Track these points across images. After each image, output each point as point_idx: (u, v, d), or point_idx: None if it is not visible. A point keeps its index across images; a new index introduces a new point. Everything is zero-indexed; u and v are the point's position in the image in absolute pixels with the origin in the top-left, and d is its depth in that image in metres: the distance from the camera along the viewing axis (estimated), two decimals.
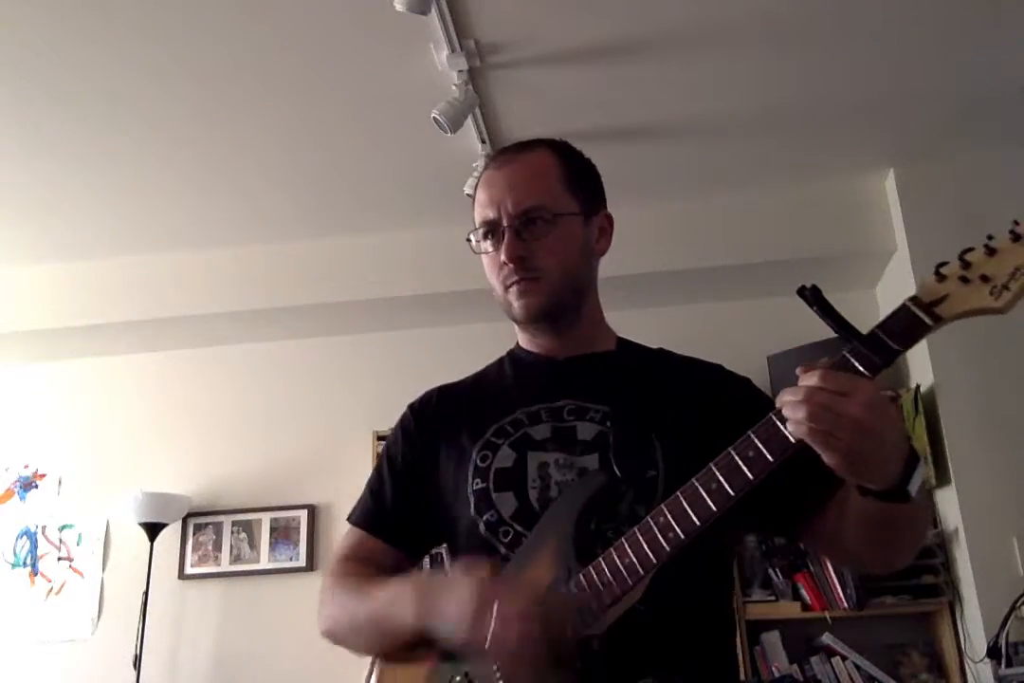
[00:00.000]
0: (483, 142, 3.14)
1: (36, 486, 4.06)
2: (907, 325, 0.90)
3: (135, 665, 3.52)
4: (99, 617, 3.80)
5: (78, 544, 3.93)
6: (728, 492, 0.96)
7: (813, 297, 0.94)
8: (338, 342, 4.03)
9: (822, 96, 3.10)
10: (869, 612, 3.19)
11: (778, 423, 0.93)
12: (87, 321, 3.91)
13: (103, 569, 3.88)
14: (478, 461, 1.22)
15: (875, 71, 2.97)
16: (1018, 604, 2.81)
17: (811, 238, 3.60)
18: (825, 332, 3.56)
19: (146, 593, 3.61)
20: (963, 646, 3.11)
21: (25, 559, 3.95)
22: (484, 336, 4.24)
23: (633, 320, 4.03)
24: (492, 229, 1.24)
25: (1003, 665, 2.76)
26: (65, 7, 2.51)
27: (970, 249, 0.89)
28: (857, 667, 3.20)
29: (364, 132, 3.14)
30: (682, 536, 0.99)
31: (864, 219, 3.61)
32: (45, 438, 4.11)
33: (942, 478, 3.21)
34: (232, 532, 3.81)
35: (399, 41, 2.70)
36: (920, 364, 3.39)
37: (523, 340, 1.34)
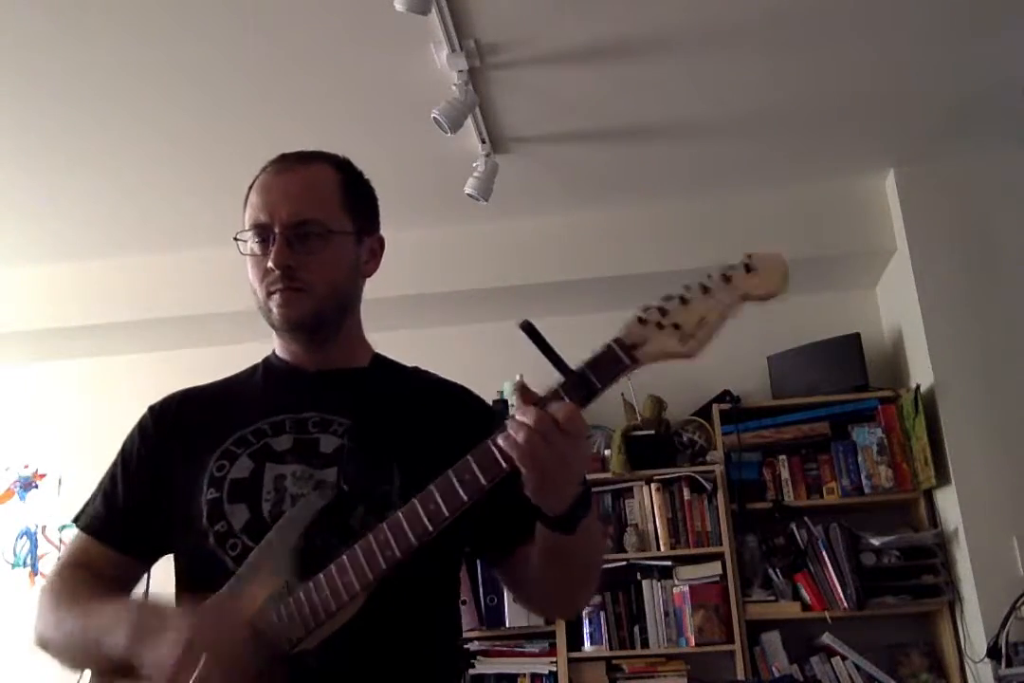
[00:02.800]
0: (483, 142, 3.14)
1: (36, 486, 4.06)
2: (609, 365, 0.96)
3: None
4: None
5: None
6: (443, 513, 0.99)
7: (529, 332, 1.01)
8: None
9: (822, 96, 3.10)
10: (869, 612, 3.19)
11: (494, 449, 0.98)
12: (87, 321, 3.91)
13: None
14: (214, 470, 1.19)
15: (875, 71, 2.97)
16: (1018, 604, 2.81)
17: (811, 238, 3.60)
18: (824, 333, 3.58)
19: (146, 593, 3.60)
20: (963, 646, 3.11)
21: (25, 559, 3.95)
22: (484, 336, 4.26)
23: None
24: (262, 234, 1.22)
25: (1003, 665, 2.76)
26: (65, 7, 2.51)
27: (671, 297, 0.97)
28: (857, 667, 3.20)
29: (364, 132, 3.14)
30: (398, 554, 1.00)
31: (864, 219, 3.61)
32: (45, 438, 4.11)
33: (942, 478, 3.21)
34: None
35: (399, 41, 2.70)
36: (920, 364, 3.39)
37: (278, 348, 1.33)
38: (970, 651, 3.07)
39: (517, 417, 0.97)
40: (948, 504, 3.21)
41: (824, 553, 3.24)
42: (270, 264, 1.20)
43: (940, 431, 3.23)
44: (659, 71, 2.92)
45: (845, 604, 3.17)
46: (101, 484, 1.30)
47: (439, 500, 0.99)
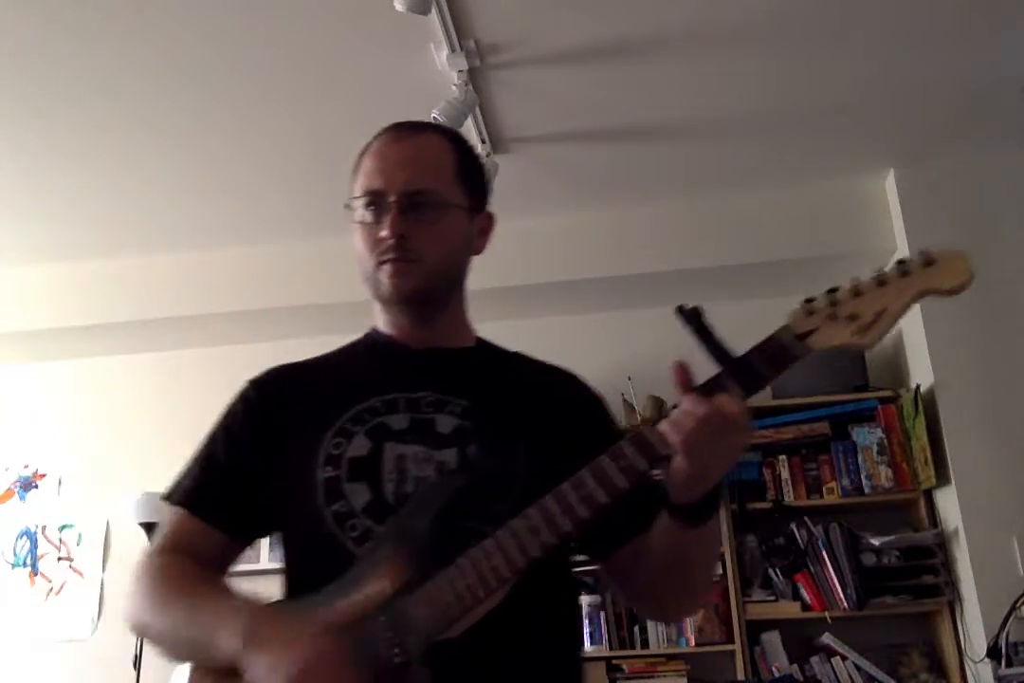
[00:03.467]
0: (483, 142, 3.14)
1: (36, 486, 4.06)
2: (780, 354, 0.96)
3: (135, 665, 3.52)
4: (99, 617, 3.80)
5: (78, 544, 3.93)
6: (599, 499, 0.98)
7: (694, 319, 1.01)
8: (338, 342, 4.00)
9: (822, 96, 3.10)
10: (869, 612, 3.19)
11: (655, 436, 0.97)
12: (87, 321, 3.91)
13: (103, 569, 3.88)
14: (331, 448, 1.13)
15: (875, 71, 2.97)
16: (1018, 604, 2.81)
17: (811, 238, 3.61)
18: None
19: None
20: (963, 646, 3.11)
21: (25, 559, 3.95)
22: (484, 336, 4.24)
23: (632, 320, 4.05)
24: (375, 201, 1.18)
25: (1003, 665, 2.76)
26: (65, 7, 2.51)
27: (835, 289, 0.97)
28: (857, 667, 3.20)
29: (364, 132, 3.12)
30: (553, 540, 0.99)
31: (864, 219, 3.61)
32: (45, 438, 4.11)
33: (942, 478, 3.21)
34: None
35: (399, 41, 2.70)
36: (920, 364, 3.39)
37: (383, 323, 1.28)
38: (970, 651, 3.07)
39: (686, 406, 0.95)
40: (948, 504, 3.20)
41: (824, 553, 3.24)
42: (383, 233, 1.16)
43: (940, 431, 3.23)
44: (659, 71, 2.92)
45: (845, 604, 3.17)
46: (196, 458, 1.23)
47: (594, 485, 0.98)
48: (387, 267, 1.17)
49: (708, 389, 0.96)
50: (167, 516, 1.21)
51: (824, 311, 0.95)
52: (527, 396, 1.20)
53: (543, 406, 1.19)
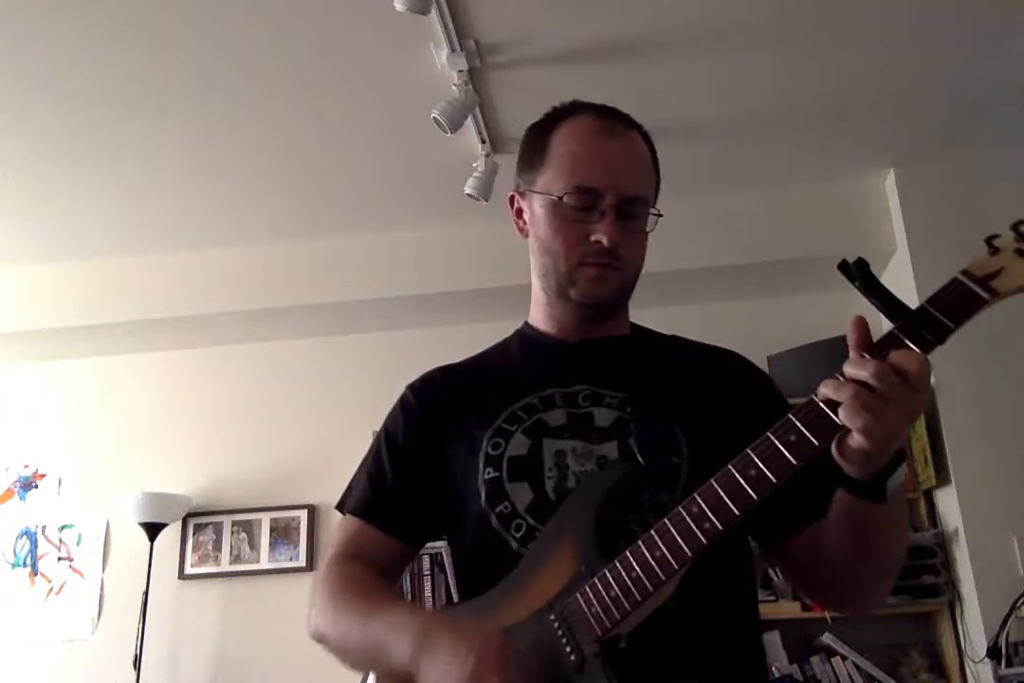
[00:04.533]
0: (483, 142, 3.14)
1: (36, 486, 4.06)
2: (961, 300, 0.85)
3: (135, 665, 3.52)
4: (99, 617, 3.80)
5: (78, 544, 3.93)
6: (769, 479, 0.88)
7: (858, 271, 0.90)
8: (338, 342, 4.02)
9: (822, 96, 3.10)
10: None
11: (822, 405, 0.88)
12: (87, 321, 3.91)
13: (103, 569, 3.88)
14: (489, 449, 1.14)
15: (875, 71, 2.97)
16: (1018, 604, 2.81)
17: (811, 238, 3.60)
18: (824, 333, 3.59)
19: (146, 593, 3.61)
20: (963, 646, 3.11)
21: (25, 559, 3.95)
22: (484, 336, 4.24)
23: (633, 320, 4.03)
24: (588, 200, 1.15)
25: (1003, 665, 2.76)
26: (65, 7, 2.51)
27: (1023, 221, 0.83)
28: (857, 667, 3.19)
29: (364, 132, 3.14)
30: (720, 527, 0.91)
31: (864, 219, 3.61)
32: (45, 438, 4.11)
33: (942, 478, 3.21)
34: (232, 532, 3.81)
35: (399, 41, 2.70)
36: None
37: (540, 319, 1.26)
38: (970, 651, 3.07)
39: (849, 370, 0.87)
40: (948, 504, 3.21)
41: None
42: (598, 237, 1.13)
43: (940, 431, 3.23)
44: (659, 71, 2.92)
45: None
46: (364, 467, 1.25)
47: (761, 465, 0.89)
48: (592, 271, 1.16)
49: (882, 346, 0.87)
50: (341, 525, 1.24)
51: (1011, 247, 0.84)
52: (686, 381, 1.18)
53: (704, 390, 1.16)
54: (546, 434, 1.13)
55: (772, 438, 0.89)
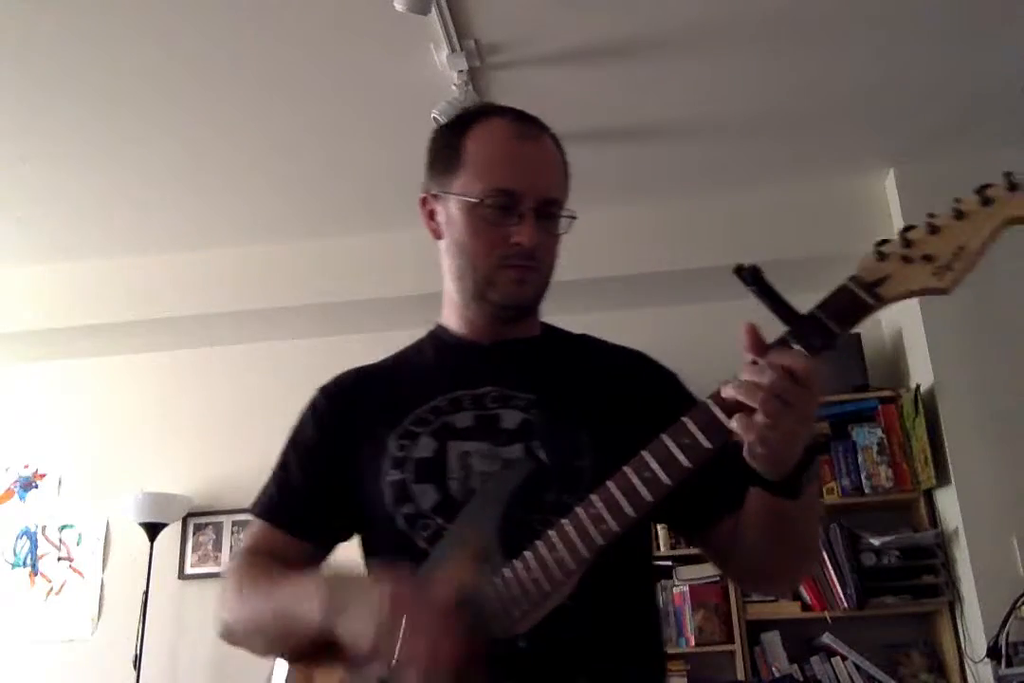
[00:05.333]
0: None
1: (36, 486, 4.06)
2: (848, 306, 0.87)
3: (135, 665, 3.52)
4: (99, 617, 3.80)
5: (78, 544, 3.93)
6: (663, 481, 0.92)
7: (752, 278, 0.92)
8: (338, 342, 4.02)
9: (822, 96, 3.10)
10: (869, 612, 3.18)
11: (715, 409, 0.90)
12: (87, 321, 3.91)
13: (103, 569, 3.88)
14: (395, 450, 1.15)
15: (875, 71, 2.97)
16: (1018, 604, 2.81)
17: (811, 238, 3.60)
18: None
19: (146, 593, 3.61)
20: (963, 646, 3.11)
21: (25, 559, 3.95)
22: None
23: (633, 320, 4.05)
24: (507, 203, 1.15)
25: (1003, 665, 2.76)
26: (64, 7, 2.51)
27: (911, 227, 0.86)
28: (857, 667, 3.19)
29: (364, 132, 3.14)
30: (616, 527, 0.94)
31: (864, 219, 3.61)
32: (45, 438, 4.11)
33: (942, 478, 3.21)
34: (232, 532, 3.81)
35: (399, 41, 2.70)
36: (920, 364, 3.39)
37: (452, 321, 1.26)
38: (970, 651, 3.06)
39: (746, 375, 0.88)
40: (948, 504, 3.20)
41: (824, 553, 3.24)
42: (518, 238, 1.13)
43: (940, 431, 3.23)
44: (659, 71, 2.92)
45: (845, 604, 3.17)
46: (274, 471, 1.26)
47: (656, 468, 0.92)
48: (512, 273, 1.16)
49: (771, 351, 0.89)
50: (249, 528, 1.25)
51: (897, 253, 0.85)
52: (594, 381, 1.18)
53: (611, 390, 1.17)
54: (452, 436, 1.14)
55: (666, 440, 0.92)
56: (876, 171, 3.56)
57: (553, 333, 1.29)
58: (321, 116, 3.08)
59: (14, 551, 3.97)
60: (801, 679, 3.22)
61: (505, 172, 1.16)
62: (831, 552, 3.23)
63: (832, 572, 3.21)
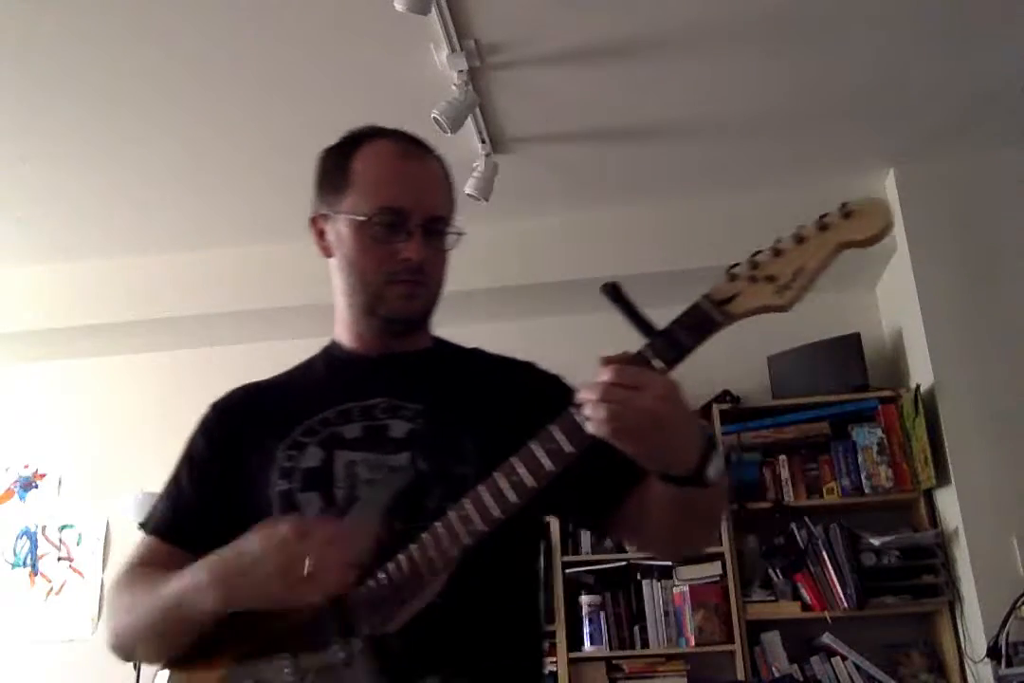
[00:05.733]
0: (483, 142, 3.14)
1: (36, 486, 4.06)
2: (700, 322, 0.94)
3: (135, 665, 3.52)
4: (99, 617, 3.80)
5: (78, 544, 3.93)
6: (529, 483, 0.97)
7: (613, 294, 0.99)
8: None
9: (822, 96, 3.10)
10: (869, 612, 3.19)
11: (577, 416, 0.95)
12: (87, 321, 3.91)
13: (103, 569, 3.88)
14: (284, 461, 1.17)
15: (875, 71, 2.97)
16: (1018, 604, 2.81)
17: None
18: (824, 333, 3.58)
19: None
20: (963, 646, 3.11)
21: (25, 559, 3.95)
22: (483, 336, 4.24)
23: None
24: (395, 220, 1.18)
25: (1003, 665, 2.76)
26: (65, 7, 2.51)
27: (759, 251, 0.94)
28: (857, 667, 3.20)
29: None
30: (484, 528, 0.99)
31: None
32: (45, 438, 4.11)
33: (942, 478, 3.21)
34: None
35: (399, 41, 2.70)
36: (920, 364, 3.39)
37: (344, 336, 1.29)
38: (970, 651, 3.07)
39: (595, 380, 0.93)
40: (948, 504, 3.20)
41: (824, 553, 3.24)
42: (407, 255, 1.17)
43: (940, 431, 3.23)
44: (659, 71, 2.92)
45: (845, 604, 3.17)
46: (165, 487, 1.28)
47: (522, 471, 0.97)
48: (401, 288, 1.19)
49: (634, 362, 0.94)
50: (138, 543, 1.26)
51: (745, 274, 0.94)
52: (482, 392, 1.22)
53: (498, 399, 1.20)
54: (339, 446, 1.17)
55: (533, 446, 0.97)
56: (876, 171, 3.56)
57: (443, 346, 1.33)
58: (321, 116, 3.07)
59: (14, 551, 3.97)
60: (801, 679, 3.22)
61: (392, 191, 1.20)
62: (831, 552, 3.24)
63: (832, 572, 3.22)
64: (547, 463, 0.96)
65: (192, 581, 1.07)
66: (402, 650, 1.01)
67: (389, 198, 1.19)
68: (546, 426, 0.97)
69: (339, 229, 1.23)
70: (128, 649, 1.17)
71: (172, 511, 1.25)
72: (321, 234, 1.28)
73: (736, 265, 0.95)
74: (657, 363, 0.93)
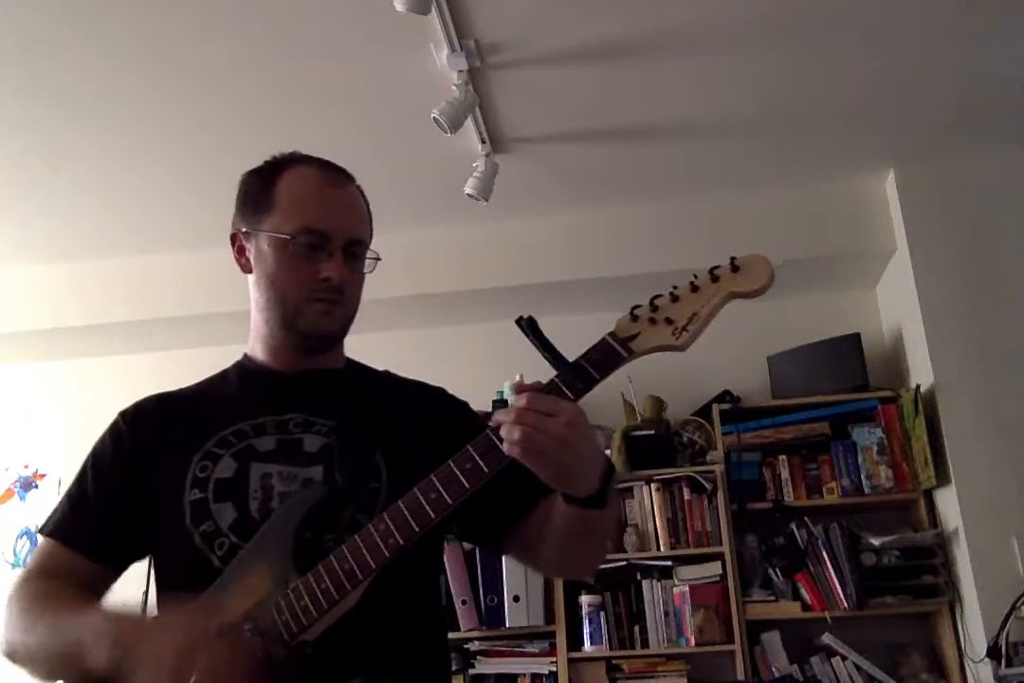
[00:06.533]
0: (483, 142, 3.14)
1: (36, 486, 4.06)
2: (605, 357, 1.02)
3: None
4: None
5: None
6: (446, 500, 1.03)
7: (529, 328, 1.07)
8: None
9: (822, 96, 3.09)
10: (869, 612, 3.19)
11: (494, 438, 1.02)
12: (87, 321, 3.90)
13: None
14: (197, 471, 1.19)
15: (875, 71, 2.97)
16: (1018, 604, 2.81)
17: (811, 238, 3.60)
18: (824, 333, 3.58)
19: (146, 593, 3.60)
20: (963, 646, 3.11)
21: (25, 559, 3.95)
22: (484, 336, 4.26)
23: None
24: (316, 241, 1.23)
25: (1003, 665, 2.76)
26: (64, 7, 2.51)
27: (659, 295, 1.03)
28: (857, 667, 3.20)
29: (364, 132, 3.14)
30: (401, 542, 1.04)
31: (864, 219, 3.61)
32: (45, 438, 4.11)
33: (942, 478, 3.21)
34: None
35: (399, 41, 2.69)
36: (920, 364, 3.39)
37: (259, 351, 1.32)
38: (970, 651, 3.07)
39: (510, 406, 1.01)
40: (948, 504, 3.21)
41: (824, 553, 3.24)
42: (327, 274, 1.22)
43: (940, 431, 3.23)
44: (659, 71, 2.92)
45: (845, 604, 3.17)
46: (68, 491, 1.28)
47: (441, 489, 1.03)
48: (319, 306, 1.24)
49: (543, 390, 1.02)
50: (37, 547, 1.28)
51: (646, 316, 1.03)
52: (391, 413, 1.26)
53: (407, 422, 1.26)
54: (254, 458, 1.20)
55: (452, 465, 1.04)
56: (876, 171, 3.56)
57: (356, 367, 1.37)
58: (321, 116, 3.08)
59: (14, 551, 3.97)
60: (801, 679, 3.22)
61: (316, 213, 1.25)
62: (831, 552, 3.24)
63: (832, 572, 3.22)
64: (464, 482, 1.02)
65: (92, 635, 1.08)
66: (322, 657, 1.05)
67: (313, 220, 1.24)
68: (465, 447, 1.04)
69: (261, 246, 1.27)
70: (18, 663, 1.17)
71: (73, 514, 1.25)
72: (241, 251, 1.31)
73: (638, 306, 1.04)
74: (567, 392, 1.01)
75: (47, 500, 4.01)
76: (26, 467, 4.09)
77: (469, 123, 2.94)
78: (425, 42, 2.69)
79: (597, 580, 3.39)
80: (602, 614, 3.32)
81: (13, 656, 1.17)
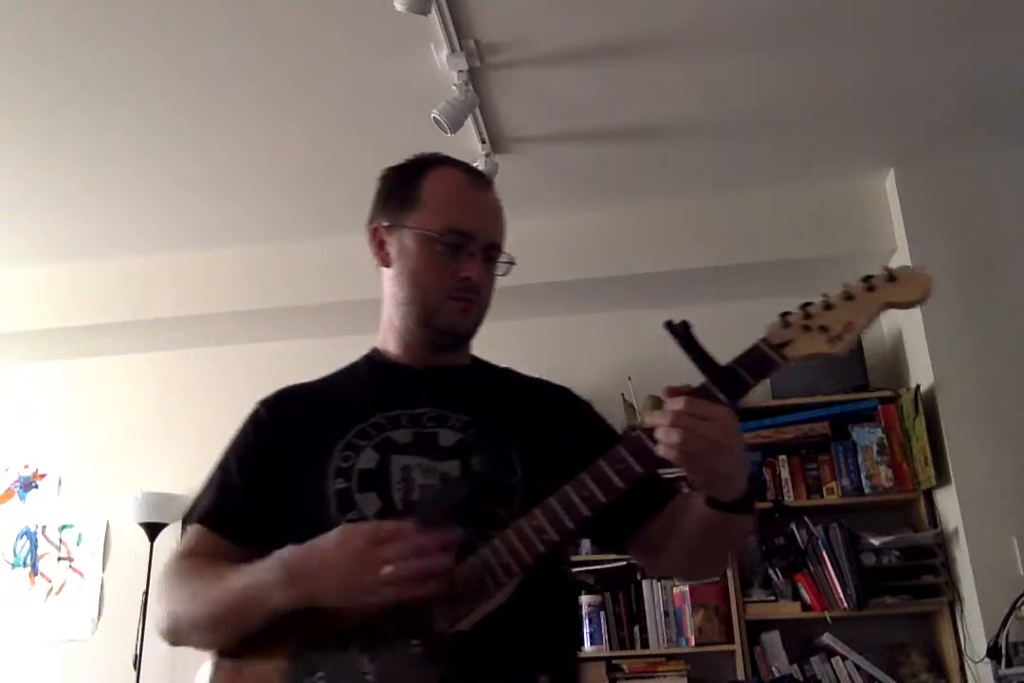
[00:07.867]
0: (483, 142, 3.14)
1: (36, 486, 4.06)
2: (760, 363, 1.04)
3: (135, 665, 3.52)
4: (99, 617, 3.80)
5: (78, 544, 3.93)
6: (599, 499, 1.05)
7: (682, 332, 1.06)
8: (338, 342, 4.00)
9: (822, 96, 3.10)
10: (869, 612, 3.18)
11: (647, 441, 1.04)
12: (87, 321, 3.91)
13: (103, 569, 3.88)
14: (340, 461, 1.22)
15: (875, 71, 2.97)
16: (1018, 604, 2.81)
17: (811, 238, 3.60)
18: None
19: (146, 593, 3.60)
20: (963, 646, 3.11)
21: (25, 559, 3.95)
22: (483, 336, 4.25)
23: (633, 320, 4.05)
24: (460, 242, 1.27)
25: (1003, 665, 2.76)
26: (66, 7, 2.51)
27: (810, 303, 1.05)
28: (857, 667, 3.19)
29: (364, 132, 3.14)
30: (556, 537, 1.06)
31: (864, 219, 3.61)
32: (45, 438, 4.11)
33: (942, 478, 3.21)
34: None
35: (399, 41, 2.70)
36: (920, 364, 3.39)
37: (391, 345, 1.35)
38: (970, 651, 3.07)
39: (666, 408, 1.02)
40: (948, 504, 3.20)
41: (824, 553, 3.24)
42: (467, 274, 1.26)
43: (940, 431, 3.23)
44: (659, 71, 2.92)
45: (845, 604, 3.17)
46: (212, 479, 1.30)
47: (594, 487, 1.05)
48: (458, 304, 1.27)
49: (698, 395, 1.03)
50: (186, 534, 1.28)
51: (799, 323, 1.04)
52: (522, 409, 1.30)
53: (537, 417, 1.28)
54: (394, 450, 1.22)
55: (603, 464, 1.06)
56: (876, 171, 3.56)
57: (481, 364, 1.40)
58: (321, 116, 3.08)
59: (14, 551, 3.97)
60: (801, 679, 3.22)
61: (463, 214, 1.28)
62: (831, 552, 3.23)
63: (832, 572, 3.22)
64: (616, 481, 1.05)
65: (263, 577, 1.09)
66: (475, 649, 1.06)
67: (459, 220, 1.27)
68: (615, 448, 1.06)
69: (404, 242, 1.30)
70: (183, 634, 1.19)
71: (222, 503, 1.27)
72: (381, 245, 1.34)
73: (788, 313, 1.05)
74: (721, 397, 1.02)
75: (47, 500, 4.02)
76: (26, 467, 4.09)
77: (469, 123, 2.94)
78: (425, 42, 2.69)
79: (597, 580, 3.39)
80: (602, 614, 3.32)
81: (176, 629, 1.19)
